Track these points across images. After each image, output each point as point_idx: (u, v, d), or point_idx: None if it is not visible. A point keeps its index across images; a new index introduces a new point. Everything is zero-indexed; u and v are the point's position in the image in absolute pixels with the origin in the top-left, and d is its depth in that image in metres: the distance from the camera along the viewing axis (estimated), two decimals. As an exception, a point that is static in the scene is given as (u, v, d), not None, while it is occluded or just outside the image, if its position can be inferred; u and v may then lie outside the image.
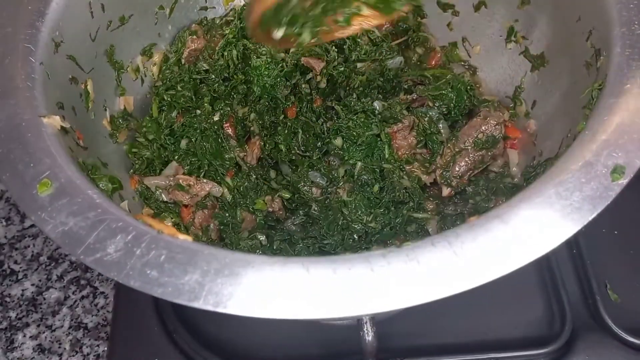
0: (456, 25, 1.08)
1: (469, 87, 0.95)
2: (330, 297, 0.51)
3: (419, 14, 1.09)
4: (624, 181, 0.55)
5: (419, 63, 1.07)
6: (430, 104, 0.94)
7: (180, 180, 0.89)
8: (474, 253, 0.53)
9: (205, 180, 0.90)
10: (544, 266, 0.98)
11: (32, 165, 0.62)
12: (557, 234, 0.53)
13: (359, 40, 1.03)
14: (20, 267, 1.10)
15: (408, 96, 0.96)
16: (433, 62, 1.07)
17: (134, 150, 0.93)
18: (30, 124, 0.66)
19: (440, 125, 0.93)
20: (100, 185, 0.73)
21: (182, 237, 0.56)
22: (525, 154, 0.92)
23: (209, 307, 0.51)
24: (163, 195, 0.89)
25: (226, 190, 0.91)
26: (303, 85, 0.96)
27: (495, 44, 1.02)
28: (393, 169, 0.90)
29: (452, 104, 0.93)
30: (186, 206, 0.89)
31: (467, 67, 1.07)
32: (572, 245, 1.00)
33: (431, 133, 0.93)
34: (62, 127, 0.69)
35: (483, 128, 0.90)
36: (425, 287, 0.51)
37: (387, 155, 0.90)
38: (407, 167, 0.91)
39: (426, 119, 0.93)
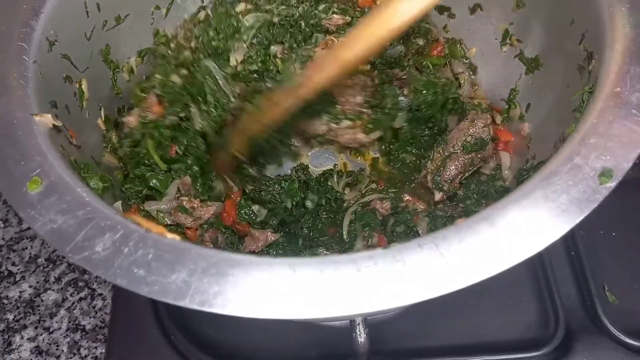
0: (452, 27, 1.08)
1: (449, 100, 0.96)
2: (317, 297, 0.51)
3: None
4: (611, 184, 0.55)
5: (418, 53, 1.07)
6: (406, 92, 0.95)
7: (184, 203, 0.87)
8: (460, 255, 0.53)
9: (209, 203, 0.89)
10: (539, 268, 0.98)
11: (22, 163, 0.62)
12: (544, 236, 0.53)
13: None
14: (18, 269, 1.10)
15: (400, 72, 0.97)
16: (435, 53, 1.07)
17: (126, 186, 0.89)
18: (22, 122, 0.66)
19: (399, 115, 0.95)
20: (91, 183, 0.73)
21: (170, 236, 0.56)
22: (518, 157, 0.92)
23: (195, 306, 0.51)
24: (166, 219, 0.87)
25: None
26: None
27: (490, 46, 1.02)
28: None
29: (422, 107, 0.95)
30: (189, 229, 0.88)
31: (468, 65, 1.07)
32: (570, 247, 1.00)
33: (388, 113, 0.95)
34: (54, 125, 0.69)
35: (471, 131, 0.90)
36: (412, 287, 0.51)
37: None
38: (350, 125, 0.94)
39: (393, 102, 0.94)
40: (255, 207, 0.92)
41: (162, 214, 0.87)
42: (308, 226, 0.94)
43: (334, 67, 0.73)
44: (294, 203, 0.94)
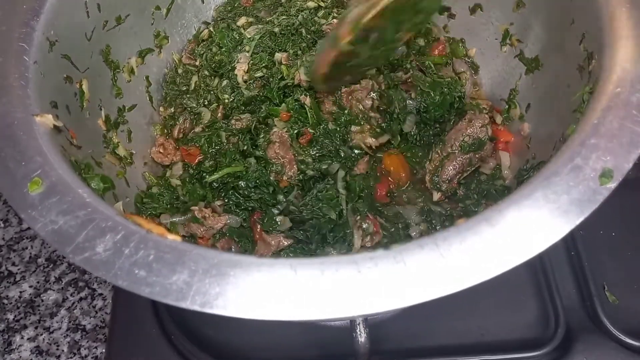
0: (452, 28, 1.08)
1: (456, 99, 0.95)
2: (318, 298, 0.51)
3: None
4: (612, 185, 0.55)
5: (420, 54, 1.07)
6: (413, 95, 0.94)
7: (195, 212, 0.88)
8: (461, 255, 0.52)
9: (221, 213, 0.90)
10: (539, 268, 0.98)
11: (23, 163, 0.62)
12: (544, 237, 0.53)
13: None
14: (18, 269, 1.10)
15: (404, 75, 0.97)
16: (436, 52, 1.07)
17: (145, 200, 0.90)
18: (22, 122, 0.66)
19: (408, 119, 0.94)
20: (92, 184, 0.73)
21: (171, 237, 0.56)
22: (518, 157, 0.93)
23: (196, 307, 0.51)
24: (180, 230, 0.88)
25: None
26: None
27: (490, 46, 1.02)
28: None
29: (431, 108, 0.94)
30: (201, 238, 0.89)
31: (470, 64, 1.07)
32: (570, 247, 1.00)
33: (397, 118, 0.94)
34: (54, 125, 0.69)
35: (469, 131, 0.91)
36: (412, 289, 0.51)
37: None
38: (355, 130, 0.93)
39: (401, 106, 0.94)
40: (279, 218, 0.88)
41: (176, 225, 0.88)
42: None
43: None
44: (337, 213, 0.88)
